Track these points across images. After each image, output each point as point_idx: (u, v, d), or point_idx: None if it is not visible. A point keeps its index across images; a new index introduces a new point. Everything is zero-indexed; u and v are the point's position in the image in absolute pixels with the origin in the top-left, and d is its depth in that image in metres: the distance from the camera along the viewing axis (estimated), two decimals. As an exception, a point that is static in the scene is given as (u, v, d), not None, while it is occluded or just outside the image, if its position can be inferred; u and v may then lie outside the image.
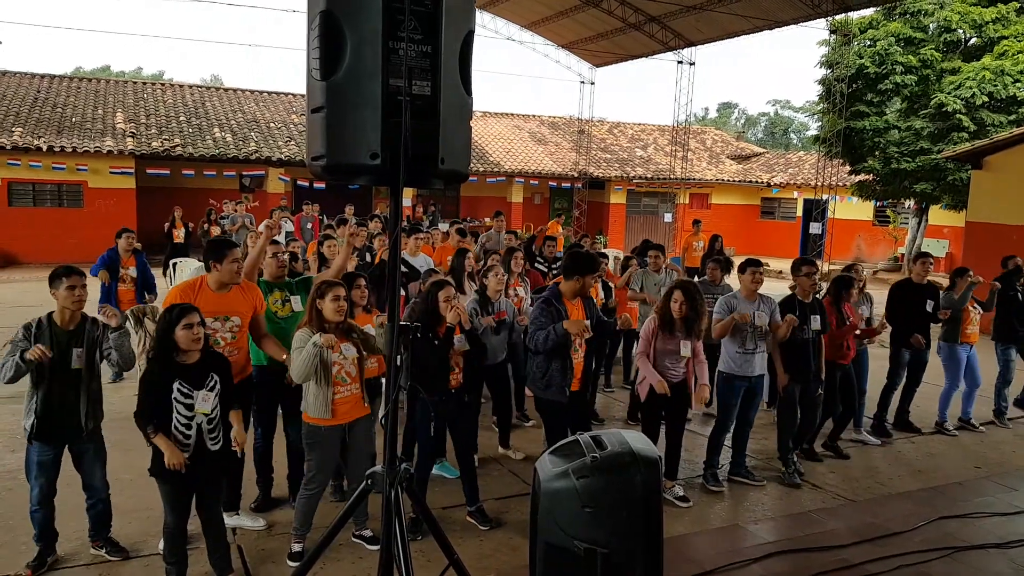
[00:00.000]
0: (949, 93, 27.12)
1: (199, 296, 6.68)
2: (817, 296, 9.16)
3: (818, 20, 25.02)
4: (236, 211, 22.47)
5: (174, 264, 17.47)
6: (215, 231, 19.91)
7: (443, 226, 23.58)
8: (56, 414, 6.14)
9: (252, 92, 37.51)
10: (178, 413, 5.69)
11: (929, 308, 10.43)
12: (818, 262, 19.58)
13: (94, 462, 6.44)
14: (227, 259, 6.77)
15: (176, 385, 5.67)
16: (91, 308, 6.49)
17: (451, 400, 7.29)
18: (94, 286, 6.54)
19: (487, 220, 26.41)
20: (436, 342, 7.09)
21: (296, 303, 7.50)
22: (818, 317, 8.91)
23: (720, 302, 8.66)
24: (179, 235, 21.54)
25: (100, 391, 6.44)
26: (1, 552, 6.57)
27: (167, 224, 21.48)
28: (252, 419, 7.49)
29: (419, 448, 7.30)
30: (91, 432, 6.34)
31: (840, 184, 31.55)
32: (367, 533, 6.90)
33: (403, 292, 9.93)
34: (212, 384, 5.83)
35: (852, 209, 35.76)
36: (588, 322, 7.44)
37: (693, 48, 30.58)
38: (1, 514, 7.27)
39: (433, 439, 7.28)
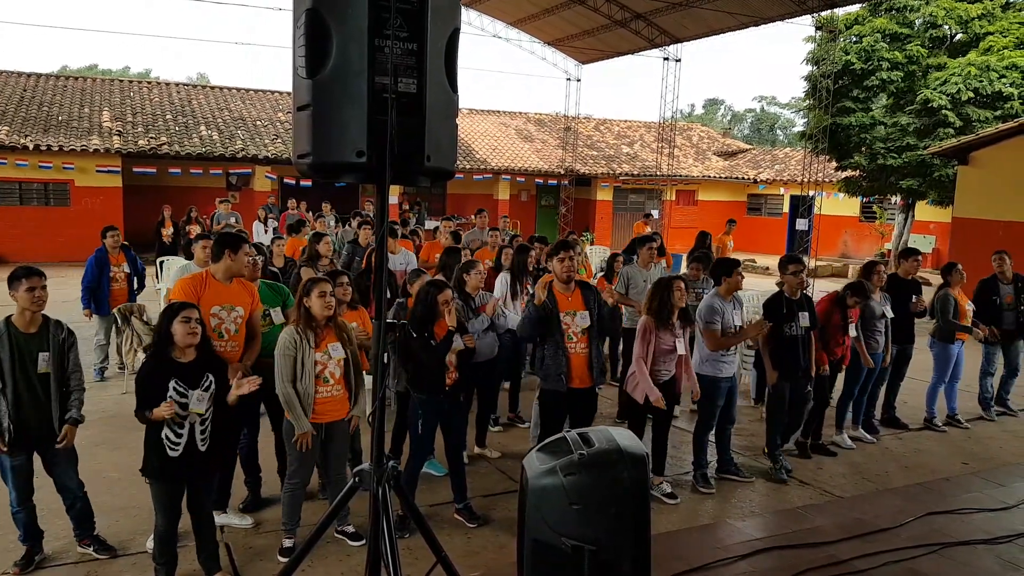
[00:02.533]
0: (935, 89, 27.15)
1: (207, 287, 6.87)
2: (806, 292, 9.19)
3: (804, 16, 25.01)
4: (221, 209, 22.45)
5: (161, 263, 17.43)
6: (195, 230, 19.86)
7: (430, 224, 23.58)
8: (27, 419, 6.10)
9: (239, 90, 37.39)
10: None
11: (913, 300, 10.48)
12: (804, 258, 19.58)
13: (67, 464, 6.40)
14: (242, 251, 7.00)
15: (172, 383, 5.66)
16: (55, 310, 6.43)
17: (446, 399, 7.31)
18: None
19: (472, 217, 26.42)
20: (433, 342, 7.10)
21: (276, 316, 7.54)
22: (806, 314, 8.92)
23: (707, 309, 8.55)
24: (167, 234, 21.54)
25: (72, 393, 6.34)
26: (-13, 553, 6.55)
27: (158, 223, 21.55)
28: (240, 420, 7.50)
29: (411, 446, 7.31)
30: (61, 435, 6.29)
31: (826, 180, 31.59)
32: (350, 529, 6.94)
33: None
34: (207, 384, 5.83)
35: (839, 205, 35.80)
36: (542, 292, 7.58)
37: (679, 45, 30.58)
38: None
39: (425, 437, 7.28)
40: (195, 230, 19.51)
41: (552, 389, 7.60)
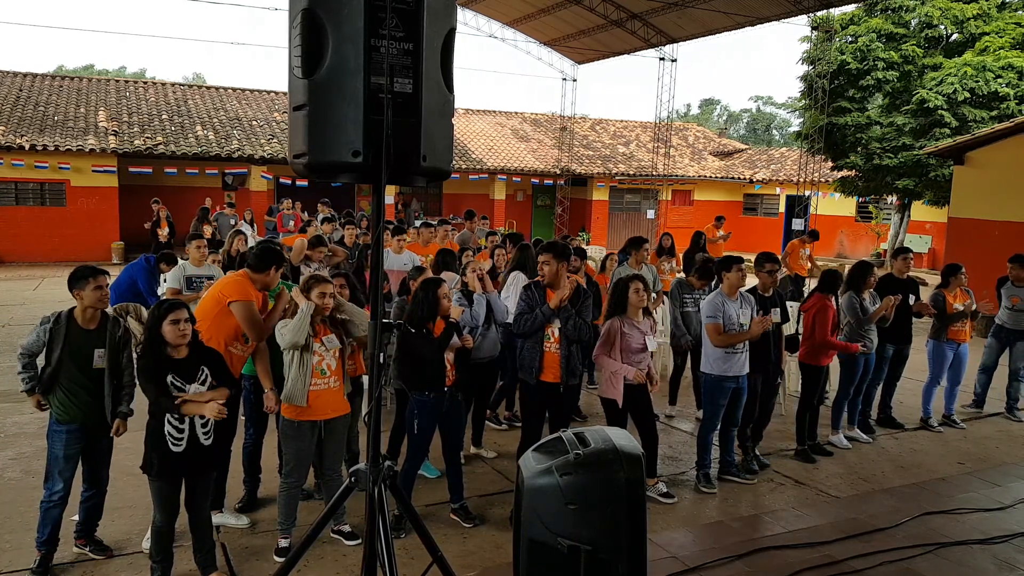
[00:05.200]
0: (931, 89, 27.17)
1: (254, 292, 6.99)
2: (778, 289, 9.25)
3: (800, 16, 25.04)
4: (223, 210, 22.50)
5: (156, 262, 17.41)
6: (207, 231, 19.85)
7: (419, 223, 23.67)
8: (81, 411, 6.21)
9: (234, 90, 37.39)
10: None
11: (911, 302, 10.49)
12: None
13: (107, 454, 6.54)
14: (281, 269, 7.25)
15: (169, 379, 5.72)
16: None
17: (444, 398, 7.29)
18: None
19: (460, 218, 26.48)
20: (432, 338, 7.10)
21: None
22: (778, 310, 9.06)
23: (709, 304, 8.55)
24: (164, 234, 21.54)
25: (124, 388, 6.41)
26: (-17, 552, 6.55)
27: (151, 222, 21.52)
28: (245, 420, 7.53)
29: (409, 447, 7.30)
30: (111, 425, 6.38)
31: (822, 180, 31.64)
32: (346, 528, 6.94)
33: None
34: (203, 377, 5.89)
35: (834, 205, 35.82)
36: (567, 291, 7.53)
37: (675, 45, 30.62)
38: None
39: (423, 438, 7.27)
40: (208, 231, 19.45)
41: (524, 379, 7.71)
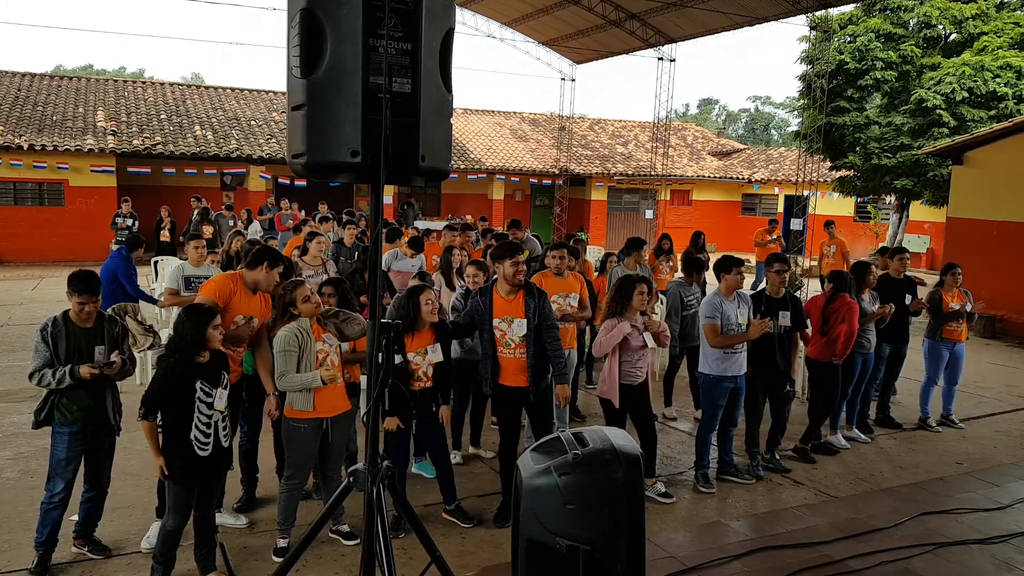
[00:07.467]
0: (929, 89, 27.14)
1: (236, 294, 6.97)
2: (788, 290, 9.17)
3: (798, 16, 24.99)
4: (221, 211, 22.48)
5: (155, 262, 17.41)
6: (208, 230, 19.77)
7: (420, 224, 23.61)
8: (83, 412, 6.20)
9: (233, 90, 37.36)
10: (200, 412, 5.81)
11: (908, 302, 10.50)
12: (800, 258, 19.44)
13: (107, 456, 6.54)
14: (276, 269, 7.11)
15: (199, 384, 5.78)
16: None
17: (417, 408, 7.22)
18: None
19: (468, 217, 26.44)
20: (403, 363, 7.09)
21: None
22: (788, 313, 8.91)
23: (707, 304, 8.50)
24: (166, 234, 21.53)
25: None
26: (-18, 553, 6.55)
27: (156, 224, 21.59)
28: (240, 418, 7.50)
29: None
30: (114, 426, 6.43)
31: (821, 180, 31.61)
32: (344, 528, 6.96)
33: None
34: (225, 382, 5.98)
35: (833, 205, 35.76)
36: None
37: (673, 44, 30.54)
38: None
39: (401, 443, 7.28)
40: (208, 230, 19.40)
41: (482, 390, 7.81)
